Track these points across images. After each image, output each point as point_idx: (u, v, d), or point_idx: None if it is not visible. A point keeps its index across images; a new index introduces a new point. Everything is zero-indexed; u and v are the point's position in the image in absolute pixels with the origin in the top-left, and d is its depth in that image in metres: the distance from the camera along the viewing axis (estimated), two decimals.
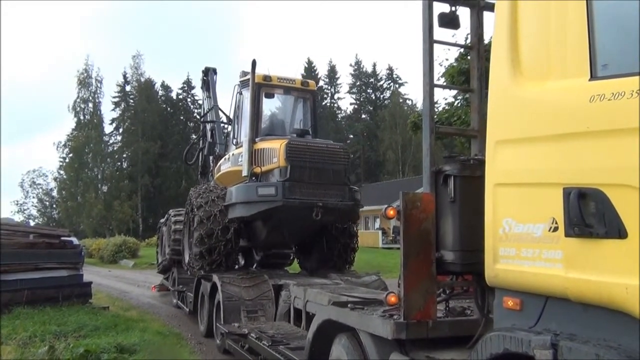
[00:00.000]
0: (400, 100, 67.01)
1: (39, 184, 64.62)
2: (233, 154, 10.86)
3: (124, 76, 64.29)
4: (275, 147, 9.42)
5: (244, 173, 9.66)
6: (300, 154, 9.22)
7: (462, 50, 12.89)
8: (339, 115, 71.86)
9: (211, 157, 13.55)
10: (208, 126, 14.32)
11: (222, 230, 9.89)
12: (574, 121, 2.52)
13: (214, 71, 14.91)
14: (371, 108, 70.32)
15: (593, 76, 2.51)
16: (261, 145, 9.78)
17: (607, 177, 2.36)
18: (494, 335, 2.87)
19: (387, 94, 69.70)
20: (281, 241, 10.83)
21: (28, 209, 64.59)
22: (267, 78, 10.36)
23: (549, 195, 2.64)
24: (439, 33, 4.05)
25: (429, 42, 3.93)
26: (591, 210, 2.41)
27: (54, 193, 63.91)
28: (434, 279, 3.69)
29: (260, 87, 10.27)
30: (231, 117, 11.85)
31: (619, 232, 2.30)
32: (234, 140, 11.10)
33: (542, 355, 2.52)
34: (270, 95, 10.84)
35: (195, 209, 10.38)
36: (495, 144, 3.03)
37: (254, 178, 9.52)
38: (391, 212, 3.70)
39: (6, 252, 11.44)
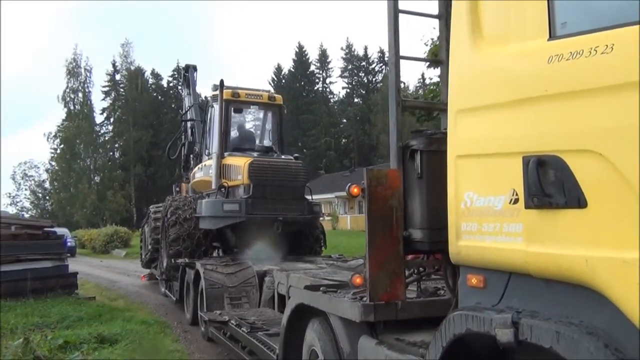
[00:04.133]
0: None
1: (31, 176, 64.22)
2: (205, 165, 11.73)
3: (114, 65, 63.66)
4: (239, 165, 10.21)
5: (213, 186, 10.61)
6: (262, 172, 10.02)
7: None
8: (332, 100, 71.45)
9: (191, 155, 13.90)
10: (188, 124, 14.49)
11: (193, 233, 10.72)
12: (533, 85, 2.35)
13: (194, 68, 15.16)
14: (363, 92, 69.91)
15: (552, 36, 2.34)
16: (228, 160, 10.62)
17: (565, 142, 2.20)
18: (457, 315, 2.73)
19: (380, 77, 69.15)
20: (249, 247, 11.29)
21: (21, 201, 64.22)
22: (235, 94, 11.08)
23: (509, 166, 2.48)
24: (411, 4, 3.89)
25: (394, 11, 3.74)
26: (550, 179, 2.25)
27: (47, 184, 63.41)
28: (401, 259, 3.54)
29: (229, 103, 11.01)
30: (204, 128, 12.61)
31: (578, 201, 2.15)
32: (206, 151, 11.91)
33: (503, 334, 2.38)
34: (239, 111, 11.69)
35: (168, 219, 11.23)
36: (456, 114, 2.87)
37: (222, 190, 10.36)
38: (355, 190, 3.54)
39: None
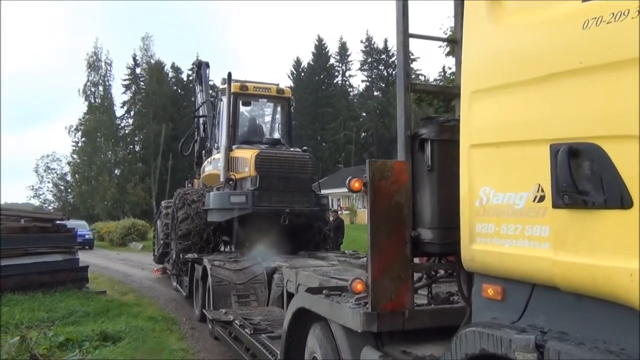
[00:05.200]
0: (413, 76, 65.53)
1: (53, 169, 64.69)
2: (214, 158, 11.75)
3: (134, 58, 63.81)
4: (247, 157, 10.16)
5: (221, 179, 10.59)
6: (269, 164, 9.95)
7: None
8: (351, 93, 70.75)
9: (203, 151, 13.91)
10: (201, 120, 14.51)
11: (203, 229, 10.73)
12: (563, 57, 1.92)
13: (207, 65, 15.30)
14: (383, 85, 69.02)
15: None
16: (236, 153, 10.59)
17: (605, 126, 1.77)
18: (470, 332, 2.32)
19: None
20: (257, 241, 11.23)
21: (43, 193, 64.84)
22: (243, 87, 11.03)
23: (533, 156, 2.06)
24: None
25: None
26: (585, 173, 1.82)
27: (68, 177, 64.02)
28: (408, 262, 3.13)
29: (237, 96, 10.96)
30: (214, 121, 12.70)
31: (621, 200, 1.72)
32: (215, 144, 11.92)
33: (524, 358, 1.97)
34: (247, 104, 11.64)
35: (178, 211, 11.35)
36: (470, 96, 2.44)
37: (230, 183, 10.36)
38: (356, 184, 3.13)
39: None
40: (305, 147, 11.49)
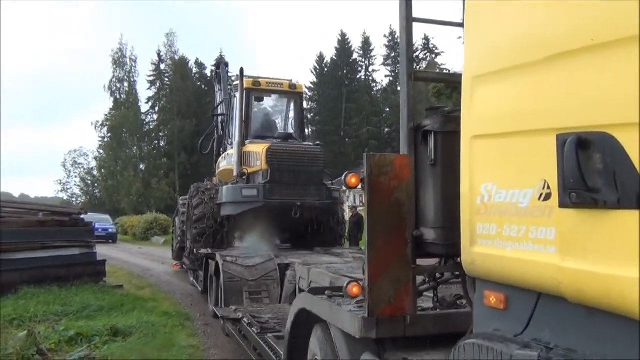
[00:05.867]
0: (437, 71, 64.60)
1: (81, 164, 65.62)
2: (228, 154, 11.92)
3: (158, 54, 64.27)
4: (258, 151, 10.25)
5: (234, 173, 10.71)
6: (280, 157, 10.01)
7: None
8: (374, 89, 70.16)
9: (222, 150, 13.95)
10: (219, 119, 14.63)
11: (217, 213, 10.77)
12: (574, 33, 1.67)
13: (226, 64, 15.50)
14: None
15: None
16: (249, 148, 10.69)
17: (620, 113, 1.52)
18: (469, 344, 2.09)
19: (424, 64, 67.40)
20: (268, 235, 11.17)
21: (71, 188, 65.86)
22: (256, 83, 11.24)
23: (539, 148, 1.81)
24: None
25: None
26: (596, 167, 1.58)
27: (95, 172, 64.92)
28: (408, 264, 2.90)
29: (250, 91, 11.14)
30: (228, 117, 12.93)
31: (637, 199, 1.47)
32: (229, 140, 12.05)
33: None
34: (259, 99, 11.77)
35: (192, 199, 11.53)
36: (472, 82, 2.20)
37: (244, 178, 10.43)
38: (353, 180, 2.91)
39: (14, 231, 11.18)
40: (317, 142, 11.58)
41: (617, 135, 1.51)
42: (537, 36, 1.82)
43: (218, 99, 15.29)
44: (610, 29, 1.54)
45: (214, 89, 16.43)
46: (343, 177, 2.94)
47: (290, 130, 11.98)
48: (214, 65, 16.08)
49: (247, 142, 10.82)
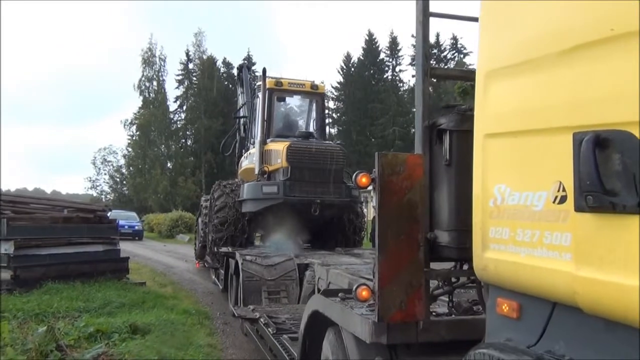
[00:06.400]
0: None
1: (110, 161, 66.69)
2: (250, 153, 12.10)
3: (187, 54, 64.97)
4: (279, 149, 10.36)
5: (256, 171, 10.85)
6: (300, 155, 10.11)
7: None
8: (401, 89, 69.62)
9: (243, 150, 14.19)
10: (241, 121, 14.84)
11: (236, 220, 10.96)
12: (592, 24, 1.55)
13: (248, 68, 15.92)
14: (434, 80, 67.51)
15: None
16: (270, 146, 10.81)
17: None
18: (479, 354, 1.98)
19: (452, 65, 66.61)
20: (289, 233, 11.25)
21: (100, 185, 66.98)
22: (278, 83, 11.38)
23: (554, 147, 1.69)
24: None
25: None
26: (615, 168, 1.45)
27: (123, 170, 65.91)
28: (420, 268, 2.79)
29: (272, 92, 11.24)
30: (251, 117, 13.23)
31: None
32: (252, 140, 12.25)
33: None
34: (282, 99, 11.81)
35: (214, 200, 11.65)
36: (485, 77, 2.08)
37: (265, 176, 10.55)
38: (364, 180, 2.81)
39: (39, 227, 11.37)
40: (338, 142, 11.71)
41: (638, 134, 1.39)
42: (554, 28, 1.70)
43: (240, 101, 15.50)
44: (632, 17, 1.41)
45: (236, 91, 16.54)
46: (354, 177, 2.85)
47: (312, 130, 12.07)
48: (237, 69, 16.28)
49: (268, 140, 10.93)
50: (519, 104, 1.88)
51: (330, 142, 11.69)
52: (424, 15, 2.96)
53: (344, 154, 10.80)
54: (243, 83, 15.16)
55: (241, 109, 15.04)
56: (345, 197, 10.39)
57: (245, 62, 16.57)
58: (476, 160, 2.14)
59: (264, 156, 10.80)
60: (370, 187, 2.81)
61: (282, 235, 10.24)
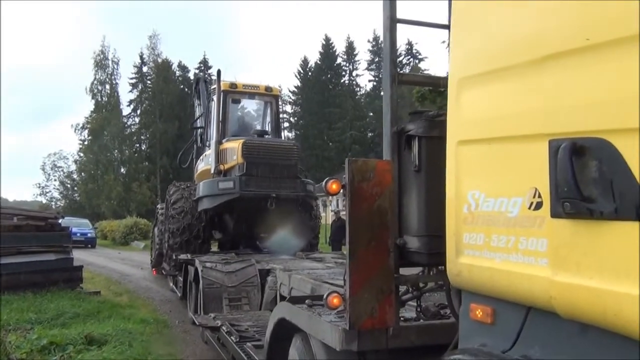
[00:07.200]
0: (419, 74, 64.82)
1: (60, 167, 64.68)
2: (206, 155, 12.18)
3: (141, 57, 63.67)
4: (235, 147, 10.54)
5: (212, 171, 10.89)
6: (256, 151, 10.32)
7: None
8: (358, 93, 70.27)
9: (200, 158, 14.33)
10: (198, 132, 14.86)
11: (195, 223, 11.05)
12: (567, 33, 1.57)
13: (205, 80, 15.86)
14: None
15: None
16: (226, 145, 10.95)
17: (617, 118, 1.42)
18: None
19: (407, 69, 67.66)
20: (247, 231, 11.43)
21: (50, 191, 64.84)
22: (233, 85, 11.60)
23: (529, 154, 1.71)
24: None
25: None
26: (591, 175, 1.48)
27: (75, 176, 64.00)
28: (391, 274, 2.79)
29: (227, 93, 11.46)
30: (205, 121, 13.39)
31: (636, 210, 1.37)
32: (207, 143, 12.36)
33: None
34: (236, 101, 12.12)
35: (171, 206, 11.67)
36: (458, 84, 2.09)
37: (220, 174, 10.69)
38: (334, 187, 2.79)
39: None
40: (291, 139, 12.14)
41: (614, 142, 1.42)
42: (529, 36, 1.72)
43: (197, 112, 15.46)
44: (607, 28, 1.44)
45: (193, 102, 16.33)
46: (323, 184, 2.82)
47: (267, 130, 12.32)
48: (194, 81, 16.25)
49: (224, 140, 11.06)
50: (493, 111, 1.90)
51: (284, 139, 12.04)
52: (391, 21, 2.97)
53: (297, 150, 11.10)
54: (200, 95, 15.14)
55: (198, 120, 15.01)
56: (300, 191, 10.60)
57: (202, 74, 16.47)
58: (449, 166, 2.15)
59: (219, 156, 10.89)
60: (340, 193, 2.79)
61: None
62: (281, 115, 13.21)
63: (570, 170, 1.48)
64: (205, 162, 12.04)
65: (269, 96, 12.37)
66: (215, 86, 11.73)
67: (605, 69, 1.45)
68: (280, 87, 13.32)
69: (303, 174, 11.23)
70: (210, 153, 11.51)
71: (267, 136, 11.73)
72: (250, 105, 12.99)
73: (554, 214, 1.58)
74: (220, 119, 11.15)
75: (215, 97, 11.50)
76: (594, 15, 1.49)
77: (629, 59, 1.38)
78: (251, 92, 12.15)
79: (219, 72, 11.39)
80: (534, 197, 1.70)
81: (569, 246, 1.56)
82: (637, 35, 1.35)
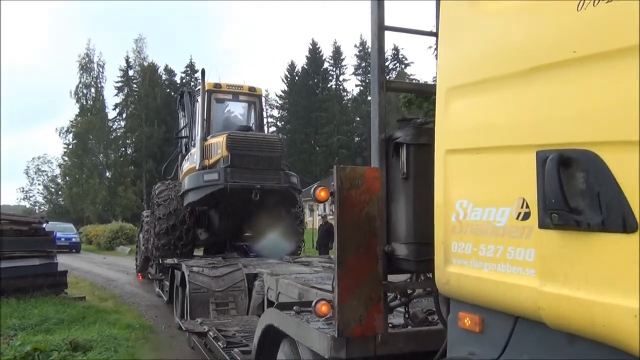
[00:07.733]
0: (407, 81, 65.15)
1: (44, 171, 63.88)
2: (191, 154, 12.24)
3: (127, 60, 63.25)
4: (219, 141, 10.71)
5: (197, 167, 11.03)
6: (240, 144, 10.48)
7: None
8: (345, 98, 70.44)
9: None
10: (183, 141, 14.94)
11: (180, 223, 11.12)
12: (554, 45, 1.59)
13: (189, 94, 15.90)
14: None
15: None
16: (210, 141, 11.12)
17: (604, 130, 1.44)
18: None
19: (393, 74, 67.97)
20: (233, 228, 11.50)
21: (34, 195, 64.05)
22: (217, 85, 11.81)
23: (517, 165, 1.73)
24: None
25: None
26: (579, 186, 1.49)
27: (59, 180, 63.28)
28: (379, 281, 2.79)
29: (211, 93, 11.67)
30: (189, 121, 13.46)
31: (623, 222, 1.39)
32: (192, 142, 12.42)
33: None
34: (220, 101, 12.31)
35: (156, 207, 11.67)
36: (446, 93, 2.11)
37: (205, 169, 10.78)
38: (322, 194, 2.79)
39: None
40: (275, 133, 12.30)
41: (601, 154, 1.43)
42: (517, 47, 1.74)
43: (182, 123, 15.43)
44: (595, 41, 1.46)
45: (178, 114, 16.23)
46: (312, 191, 2.82)
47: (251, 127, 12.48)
48: (178, 94, 16.23)
49: (208, 137, 11.18)
50: (481, 121, 1.91)
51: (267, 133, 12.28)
52: (379, 28, 2.98)
53: (281, 143, 11.34)
54: (185, 108, 15.10)
55: (182, 130, 15.00)
56: (284, 183, 10.73)
57: (186, 88, 16.46)
58: (437, 175, 2.17)
59: (204, 152, 11.02)
60: (329, 200, 2.79)
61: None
62: (267, 120, 13.39)
63: (558, 181, 1.50)
64: (191, 161, 12.10)
65: (253, 96, 12.52)
66: (199, 87, 11.81)
67: (593, 81, 1.47)
68: (267, 90, 13.34)
69: (286, 167, 11.36)
70: (195, 151, 11.60)
71: (251, 131, 11.85)
72: (235, 106, 13.10)
73: (542, 225, 1.59)
74: (205, 117, 11.31)
75: (199, 98, 11.62)
76: (581, 28, 1.50)
77: (616, 71, 1.40)
78: (235, 92, 12.31)
79: (203, 71, 11.51)
80: (521, 207, 1.71)
81: (557, 257, 1.57)
82: (625, 49, 1.37)
